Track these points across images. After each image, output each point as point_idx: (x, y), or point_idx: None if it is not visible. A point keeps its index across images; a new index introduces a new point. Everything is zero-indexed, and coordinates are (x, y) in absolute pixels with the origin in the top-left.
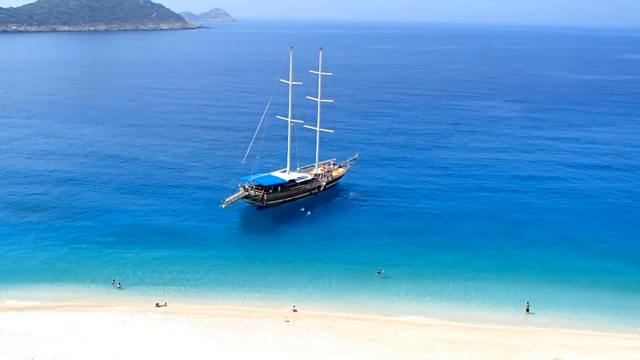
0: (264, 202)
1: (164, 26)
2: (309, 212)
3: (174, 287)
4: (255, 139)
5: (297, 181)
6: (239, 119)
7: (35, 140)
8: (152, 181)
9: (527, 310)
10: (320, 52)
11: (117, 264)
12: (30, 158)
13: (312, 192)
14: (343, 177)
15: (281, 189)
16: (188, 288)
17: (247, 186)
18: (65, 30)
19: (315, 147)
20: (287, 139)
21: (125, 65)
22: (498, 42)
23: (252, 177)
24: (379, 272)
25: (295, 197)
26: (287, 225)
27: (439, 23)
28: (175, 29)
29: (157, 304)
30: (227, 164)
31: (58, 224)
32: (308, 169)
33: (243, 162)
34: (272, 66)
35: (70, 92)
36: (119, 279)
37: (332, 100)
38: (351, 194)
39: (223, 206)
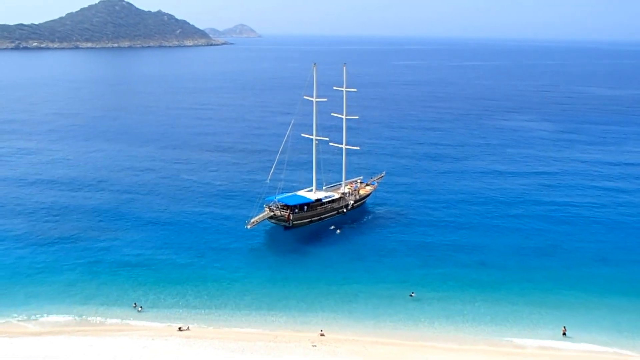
0: (290, 222)
1: (188, 43)
2: (338, 231)
3: (198, 310)
4: (280, 157)
5: (323, 200)
6: (263, 137)
7: (56, 159)
8: (176, 201)
9: (564, 334)
10: (344, 68)
11: (138, 287)
12: (52, 181)
13: (340, 211)
14: (370, 195)
15: (307, 208)
16: (212, 311)
17: (272, 206)
18: (88, 47)
19: (342, 165)
20: (312, 157)
21: (148, 82)
22: (527, 57)
23: (278, 197)
24: (411, 295)
25: (322, 216)
26: (313, 245)
27: (458, 37)
28: (199, 45)
29: (179, 328)
30: (252, 184)
31: (80, 246)
32: (335, 187)
33: (268, 181)
34: (296, 82)
35: (92, 111)
36: (141, 302)
37: (357, 117)
38: (379, 212)
39: (248, 227)
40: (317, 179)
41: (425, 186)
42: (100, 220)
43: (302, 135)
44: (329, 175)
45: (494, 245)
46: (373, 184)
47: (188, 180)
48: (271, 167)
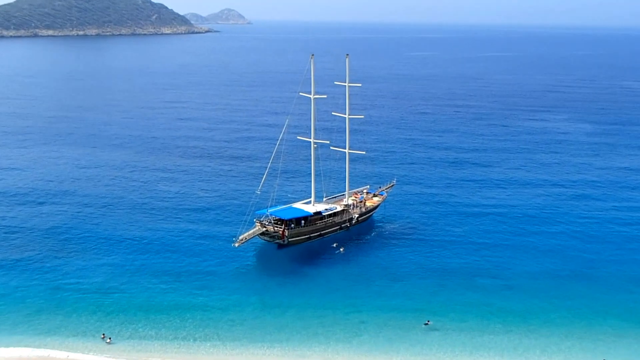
0: (285, 239)
1: (166, 30)
2: (341, 249)
3: (177, 342)
4: (273, 164)
5: (323, 213)
6: (253, 141)
7: (11, 168)
8: (152, 217)
9: None
10: (347, 59)
11: (107, 314)
12: (5, 193)
13: (343, 226)
14: (379, 207)
15: (305, 223)
16: (194, 344)
17: (264, 221)
18: (48, 36)
19: (345, 173)
20: (310, 163)
21: (120, 77)
22: (556, 47)
23: (270, 210)
24: (426, 324)
25: (322, 232)
26: (313, 266)
27: (479, 24)
28: (179, 34)
29: None
30: (240, 195)
31: (41, 269)
32: (337, 199)
33: (258, 192)
34: (291, 77)
35: (53, 110)
36: (110, 332)
37: (362, 117)
38: (389, 227)
39: (236, 245)
40: (316, 189)
41: (442, 197)
42: (65, 240)
43: (299, 138)
44: (330, 185)
45: (521, 268)
46: (381, 195)
47: (166, 191)
48: (262, 176)
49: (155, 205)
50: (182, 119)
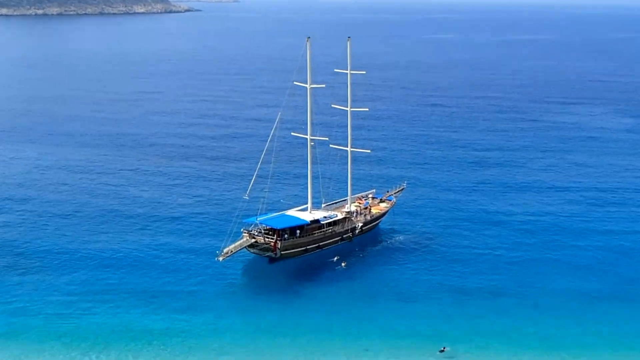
0: (278, 251)
1: (139, 9)
2: (343, 264)
3: None
4: (263, 165)
5: (322, 222)
6: (240, 139)
7: None
8: (123, 228)
9: None
10: (349, 43)
11: (72, 341)
12: None
13: (344, 236)
14: (386, 215)
15: (301, 233)
16: None
17: (253, 230)
18: (2, 15)
19: (347, 175)
20: (306, 164)
21: (86, 63)
22: (596, 29)
23: (260, 218)
24: (442, 351)
25: (320, 244)
26: (310, 283)
27: (494, 2)
28: (154, 13)
29: None
30: (225, 201)
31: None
32: (338, 205)
33: (246, 197)
34: (284, 64)
35: (6, 102)
36: None
37: (367, 109)
38: (398, 238)
39: (220, 259)
40: (313, 194)
41: (459, 203)
42: (20, 254)
43: (293, 134)
44: (330, 189)
45: (551, 286)
46: (389, 200)
47: (139, 197)
48: (251, 179)
49: (127, 213)
50: (158, 113)
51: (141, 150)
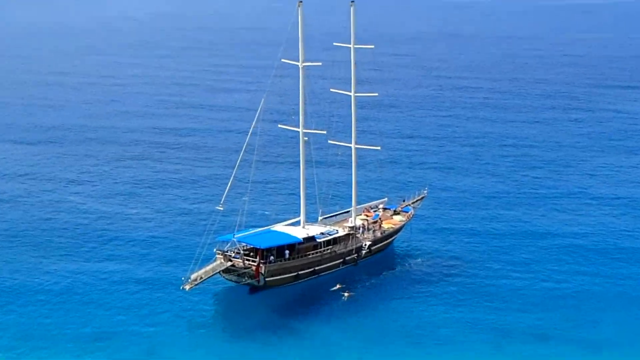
0: (261, 278)
1: None
2: (345, 294)
3: None
4: (242, 166)
5: (319, 240)
6: (212, 132)
7: None
8: (61, 246)
9: None
10: (352, 9)
11: None
12: None
13: (347, 259)
14: (402, 231)
15: (291, 254)
16: None
17: (229, 251)
18: None
19: (351, 179)
20: (298, 165)
21: (18, 36)
22: None
23: (238, 235)
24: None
25: (316, 268)
26: (303, 319)
27: None
28: None
29: None
30: (193, 213)
31: None
32: (339, 218)
33: (220, 207)
34: (268, 36)
35: None
36: None
37: (376, 94)
38: (416, 262)
39: (187, 288)
40: (307, 204)
41: (494, 218)
42: None
43: (280, 127)
44: (329, 197)
45: (614, 328)
46: (405, 212)
47: (81, 210)
48: (226, 184)
49: (66, 230)
50: (109, 100)
51: (85, 148)
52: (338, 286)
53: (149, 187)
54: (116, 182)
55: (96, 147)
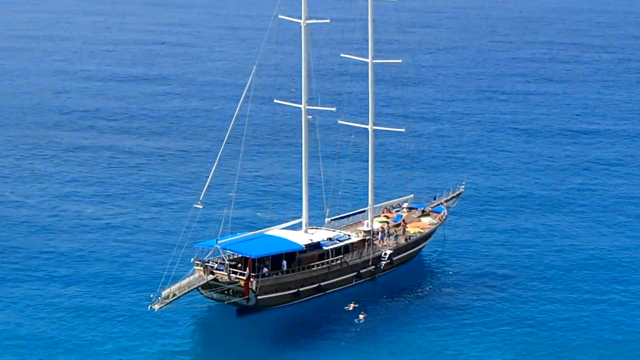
0: (252, 296)
1: None
2: (361, 316)
3: None
4: (227, 153)
5: (326, 247)
6: (190, 109)
7: None
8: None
9: None
10: None
11: None
12: None
13: (363, 272)
14: (432, 237)
15: (290, 265)
16: None
17: (211, 262)
18: None
19: (367, 170)
20: (299, 151)
21: None
22: None
23: (223, 240)
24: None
25: (322, 284)
26: (304, 351)
27: None
28: None
29: None
30: (165, 211)
31: None
32: (351, 220)
33: (199, 204)
34: None
35: None
36: None
37: (399, 61)
38: (450, 277)
39: (157, 308)
40: (311, 202)
41: (553, 226)
42: None
43: (277, 102)
44: (339, 193)
45: None
46: (436, 212)
47: (21, 208)
48: (207, 175)
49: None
50: (58, 70)
51: (25, 130)
52: (352, 306)
53: (107, 179)
54: (65, 172)
55: (35, 128)
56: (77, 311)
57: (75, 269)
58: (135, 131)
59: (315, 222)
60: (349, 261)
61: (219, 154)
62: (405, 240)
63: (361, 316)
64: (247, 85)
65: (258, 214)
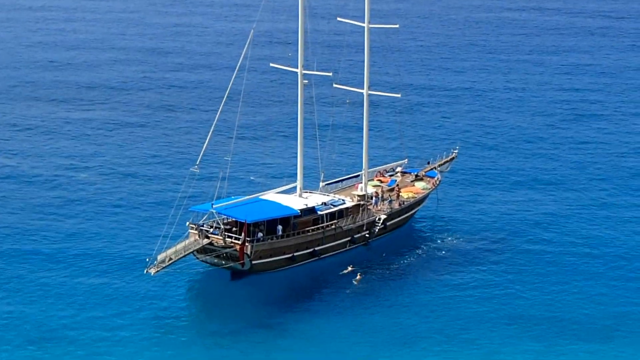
0: (247, 261)
1: None
2: (357, 277)
3: None
4: (223, 118)
5: (320, 212)
6: (185, 72)
7: None
8: None
9: None
10: None
11: None
12: None
13: (357, 237)
14: (425, 201)
15: (285, 229)
16: None
17: (205, 225)
18: None
19: (361, 135)
20: (294, 116)
21: None
22: None
23: (218, 205)
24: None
25: (316, 248)
26: (299, 314)
27: None
28: None
29: None
30: (161, 174)
31: None
32: (345, 185)
33: (195, 169)
34: None
35: None
36: None
37: (396, 26)
38: (444, 241)
39: (152, 272)
40: (306, 166)
41: (551, 194)
42: None
43: (272, 66)
44: (333, 157)
45: None
46: (430, 177)
47: (14, 173)
48: (204, 140)
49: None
50: (36, 30)
51: (16, 95)
52: (350, 269)
53: (99, 144)
54: (48, 138)
55: (21, 91)
56: (72, 275)
57: (71, 233)
58: (130, 90)
59: (310, 186)
60: (344, 226)
61: (216, 117)
62: (399, 205)
63: (358, 277)
64: (245, 48)
65: (251, 178)
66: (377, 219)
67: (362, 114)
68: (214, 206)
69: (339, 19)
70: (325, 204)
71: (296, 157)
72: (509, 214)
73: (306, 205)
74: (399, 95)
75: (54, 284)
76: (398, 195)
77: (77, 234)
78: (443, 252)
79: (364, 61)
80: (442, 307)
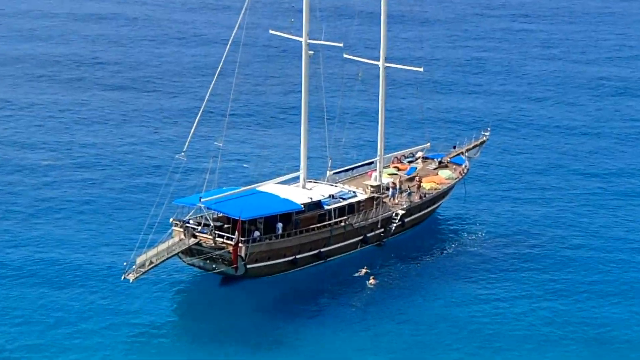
0: (241, 265)
1: None
2: (370, 281)
3: None
4: (213, 96)
5: (327, 206)
6: (171, 43)
7: None
8: None
9: None
10: None
11: None
12: None
13: (370, 236)
14: (451, 192)
15: (286, 227)
16: None
17: (192, 222)
18: None
19: (377, 116)
20: (297, 92)
21: None
22: None
23: (207, 198)
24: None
25: (322, 250)
26: (301, 326)
27: None
28: None
29: None
30: (142, 163)
31: None
32: (357, 173)
33: (182, 156)
34: None
35: None
36: None
37: None
38: (475, 240)
39: (131, 278)
40: (311, 152)
41: (588, 188)
42: None
43: (272, 33)
44: (342, 142)
45: None
46: (457, 164)
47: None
48: (191, 123)
49: None
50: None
51: None
52: (364, 271)
53: (75, 129)
54: (27, 119)
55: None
56: (34, 287)
57: (38, 232)
58: (107, 75)
59: (315, 175)
60: (354, 223)
61: (207, 95)
62: (420, 198)
63: (371, 280)
64: (241, 15)
65: (245, 165)
66: (393, 214)
67: (377, 91)
68: (202, 199)
69: None
70: (333, 196)
71: (299, 141)
72: (551, 217)
73: (311, 198)
74: (421, 69)
75: (14, 300)
76: (419, 186)
77: (41, 237)
78: (469, 255)
79: (379, 29)
80: (465, 318)
